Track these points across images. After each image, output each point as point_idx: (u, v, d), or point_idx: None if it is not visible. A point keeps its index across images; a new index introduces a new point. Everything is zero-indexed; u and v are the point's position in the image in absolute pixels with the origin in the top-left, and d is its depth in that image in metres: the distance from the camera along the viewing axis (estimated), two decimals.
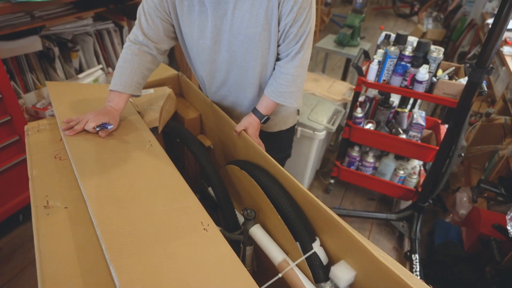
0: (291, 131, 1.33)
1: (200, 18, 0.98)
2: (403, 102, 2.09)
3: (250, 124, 1.07)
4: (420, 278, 0.75)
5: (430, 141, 1.90)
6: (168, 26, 1.04)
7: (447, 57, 4.11)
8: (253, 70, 1.06)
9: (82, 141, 0.93)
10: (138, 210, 0.74)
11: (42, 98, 1.76)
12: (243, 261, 1.09)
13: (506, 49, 2.26)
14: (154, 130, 1.16)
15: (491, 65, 1.21)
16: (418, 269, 1.61)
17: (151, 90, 1.35)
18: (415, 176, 1.90)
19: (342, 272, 0.84)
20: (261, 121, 1.10)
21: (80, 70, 1.95)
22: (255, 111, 1.09)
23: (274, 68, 1.08)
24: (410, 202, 1.93)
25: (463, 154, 1.96)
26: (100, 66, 1.99)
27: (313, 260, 0.87)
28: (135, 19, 2.27)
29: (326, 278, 0.87)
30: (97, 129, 0.95)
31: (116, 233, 0.66)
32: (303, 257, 0.87)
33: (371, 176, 1.95)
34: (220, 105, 1.24)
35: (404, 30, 5.58)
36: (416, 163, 2.00)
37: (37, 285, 0.60)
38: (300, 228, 0.90)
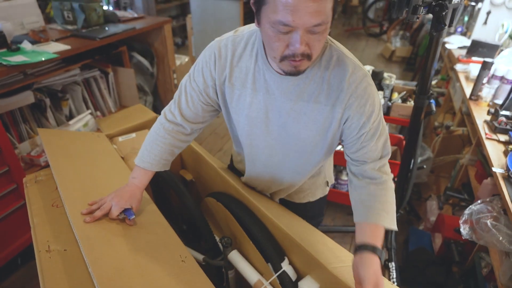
0: (322, 201, 1.25)
1: (251, 108, 0.90)
2: None
3: (379, 278, 0.76)
4: (397, 284, 0.86)
5: (396, 156, 2.08)
6: (209, 108, 0.97)
7: (416, 71, 4.39)
8: (293, 163, 1.01)
9: (73, 191, 1.06)
10: (124, 247, 0.87)
11: (36, 146, 1.89)
12: (227, 285, 1.22)
13: (459, 66, 2.48)
14: None
15: (430, 92, 1.40)
16: (395, 276, 1.75)
17: (133, 135, 1.51)
18: None
19: (308, 286, 0.98)
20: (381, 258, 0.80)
21: (70, 116, 2.11)
22: (368, 247, 0.80)
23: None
24: None
25: (425, 166, 2.13)
26: (89, 111, 2.15)
27: (283, 278, 1.01)
28: (120, 65, 2.43)
29: None
30: (120, 217, 0.95)
31: (106, 269, 0.79)
32: (274, 276, 1.01)
33: (347, 193, 2.10)
34: (255, 179, 1.14)
35: (375, 48, 5.90)
36: None
37: None
38: (270, 250, 1.04)
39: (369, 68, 1.81)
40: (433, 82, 3.10)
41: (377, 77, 1.73)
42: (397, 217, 1.87)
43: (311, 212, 1.23)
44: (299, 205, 1.19)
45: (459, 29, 3.35)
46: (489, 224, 1.29)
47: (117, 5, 3.95)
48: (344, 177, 2.13)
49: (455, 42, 3.10)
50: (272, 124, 0.92)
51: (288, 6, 0.64)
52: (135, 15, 2.48)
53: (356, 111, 0.82)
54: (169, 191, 1.61)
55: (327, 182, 1.22)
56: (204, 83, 0.91)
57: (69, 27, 2.13)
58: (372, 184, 0.89)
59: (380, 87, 1.75)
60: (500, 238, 1.24)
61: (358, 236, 0.86)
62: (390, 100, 1.74)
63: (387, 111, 1.76)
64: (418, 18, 1.07)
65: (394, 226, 0.87)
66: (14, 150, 1.70)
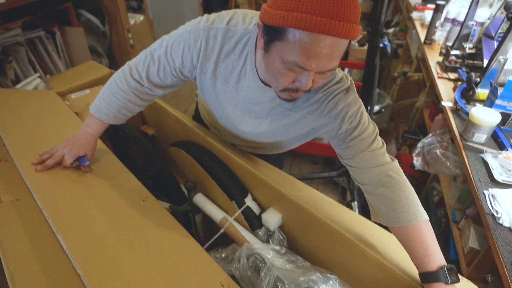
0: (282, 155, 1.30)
1: (229, 102, 0.90)
2: None
3: None
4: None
5: None
6: (180, 81, 0.94)
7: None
8: (267, 144, 1.05)
9: (22, 144, 1.01)
10: (81, 192, 0.86)
11: None
12: (195, 229, 1.25)
13: (415, 14, 2.53)
14: None
15: (383, 30, 1.43)
16: (357, 213, 1.86)
17: (87, 91, 1.44)
18: None
19: (271, 217, 1.02)
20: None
21: (17, 80, 1.96)
22: (434, 277, 0.69)
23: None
24: None
25: (383, 110, 2.22)
26: (37, 74, 2.00)
27: (247, 213, 1.04)
28: (67, 24, 2.25)
29: (260, 225, 1.05)
30: (74, 165, 0.93)
31: (63, 213, 0.78)
32: (238, 212, 1.04)
33: (311, 141, 2.17)
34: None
35: None
36: None
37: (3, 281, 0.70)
38: (233, 188, 1.07)
39: None
40: (391, 30, 3.16)
41: None
42: None
43: (276, 162, 1.19)
44: (262, 156, 1.17)
45: None
46: (438, 153, 1.38)
47: None
48: None
49: None
50: (247, 123, 0.92)
51: (311, 53, 0.60)
52: None
53: (328, 117, 0.79)
54: (131, 147, 1.58)
55: None
56: (182, 64, 0.86)
57: None
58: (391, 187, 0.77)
59: None
60: (448, 164, 1.34)
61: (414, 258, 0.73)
62: None
63: (345, 56, 1.78)
64: None
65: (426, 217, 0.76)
66: None
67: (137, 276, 0.67)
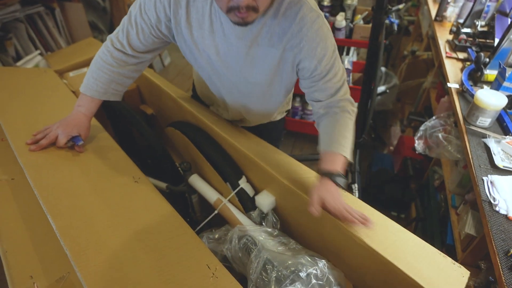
0: (281, 122, 1.30)
1: (209, 51, 0.89)
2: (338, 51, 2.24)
3: (328, 191, 0.81)
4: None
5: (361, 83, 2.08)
6: (161, 41, 0.92)
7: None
8: (253, 105, 1.05)
9: (17, 123, 1.01)
10: (74, 171, 0.86)
11: None
12: (193, 209, 1.26)
13: None
14: None
15: (388, 7, 1.36)
16: (357, 196, 1.86)
17: (85, 69, 1.42)
18: None
19: (264, 199, 1.02)
20: (337, 181, 0.84)
21: (18, 58, 1.95)
22: (328, 174, 0.83)
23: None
24: None
25: (388, 91, 2.16)
26: (38, 51, 1.99)
27: (241, 194, 1.04)
28: (67, 0, 2.21)
29: (254, 207, 1.05)
30: (68, 145, 0.93)
31: (53, 192, 0.78)
32: (233, 193, 1.04)
33: (314, 122, 2.14)
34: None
35: None
36: None
37: None
38: (227, 170, 1.06)
39: None
40: (401, 6, 3.02)
41: None
42: (360, 142, 1.94)
43: (273, 133, 1.30)
44: (261, 127, 1.22)
45: None
46: (440, 136, 1.35)
47: None
48: (310, 107, 2.14)
49: None
50: (231, 69, 0.91)
51: None
52: None
53: (307, 55, 0.82)
54: (130, 127, 1.58)
55: (288, 111, 1.29)
56: (157, 18, 0.85)
57: None
58: (329, 117, 0.91)
59: (342, 8, 1.68)
60: (450, 148, 1.30)
61: (320, 164, 0.88)
62: (352, 22, 1.69)
63: (349, 34, 1.72)
64: None
65: (348, 156, 0.87)
66: None
67: (124, 255, 0.68)
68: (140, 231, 0.75)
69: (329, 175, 0.82)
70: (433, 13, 2.06)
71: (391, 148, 2.11)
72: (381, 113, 2.48)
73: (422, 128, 1.45)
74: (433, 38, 2.21)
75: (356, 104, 0.95)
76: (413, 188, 1.76)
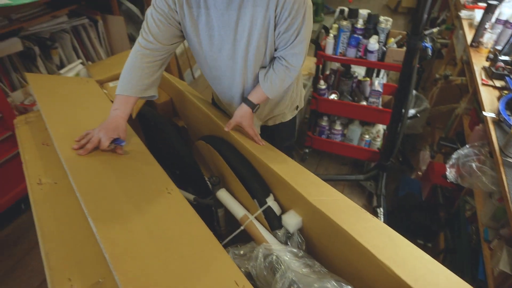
0: (292, 123, 1.42)
1: (207, 27, 1.03)
2: (368, 73, 2.24)
3: (242, 117, 1.12)
4: None
5: (390, 105, 2.06)
6: (178, 31, 1.07)
7: None
8: (252, 75, 1.13)
9: (62, 129, 1.07)
10: (112, 179, 0.90)
11: (29, 95, 1.89)
12: (217, 222, 1.28)
13: (463, 13, 2.37)
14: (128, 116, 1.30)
15: (424, 33, 1.35)
16: (382, 220, 1.81)
17: None
18: (379, 139, 2.07)
19: (291, 219, 1.02)
20: (253, 110, 1.13)
21: (61, 66, 2.08)
22: (246, 100, 1.13)
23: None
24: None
25: (419, 115, 2.12)
26: (80, 60, 2.11)
27: (268, 212, 1.05)
28: (109, 13, 2.37)
29: (280, 225, 1.05)
30: (111, 147, 1.00)
31: (94, 197, 0.83)
32: (259, 211, 1.05)
33: (340, 143, 2.13)
34: (228, 105, 1.30)
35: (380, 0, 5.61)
36: (380, 127, 2.17)
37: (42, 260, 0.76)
38: (255, 187, 1.07)
39: (365, 12, 1.74)
40: (435, 30, 2.99)
41: (372, 21, 1.66)
42: (388, 165, 1.91)
43: (286, 133, 1.43)
44: (274, 128, 1.37)
45: None
46: (474, 166, 1.31)
47: None
48: (337, 127, 2.13)
49: None
50: (226, 41, 1.04)
51: None
52: None
53: (285, 7, 0.95)
54: (162, 137, 1.63)
55: (297, 107, 1.39)
56: (168, 7, 1.00)
57: None
58: (274, 66, 1.09)
59: (375, 31, 1.69)
60: (484, 179, 1.26)
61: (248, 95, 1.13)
62: (385, 45, 1.69)
63: (382, 57, 1.72)
64: None
65: (269, 95, 1.12)
66: (7, 99, 1.70)
67: (156, 263, 0.70)
68: (172, 241, 0.77)
69: (248, 103, 1.12)
70: (469, 38, 2.03)
71: (419, 173, 2.06)
72: (410, 136, 2.43)
73: (454, 156, 1.42)
74: (468, 64, 2.17)
75: (296, 66, 1.08)
76: (442, 216, 1.70)
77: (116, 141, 0.99)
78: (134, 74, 1.03)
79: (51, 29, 1.96)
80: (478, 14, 2.25)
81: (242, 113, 1.13)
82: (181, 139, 1.28)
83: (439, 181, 1.72)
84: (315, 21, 2.53)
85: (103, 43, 2.30)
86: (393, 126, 1.72)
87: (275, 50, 1.08)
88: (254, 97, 1.14)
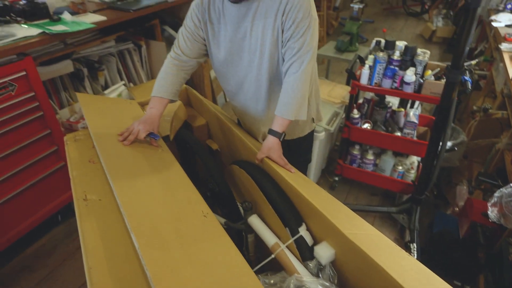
0: (309, 137, 1.47)
1: (225, 41, 1.19)
2: (402, 103, 2.21)
3: (270, 149, 1.14)
4: None
5: (426, 137, 2.01)
6: (203, 46, 1.25)
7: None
8: (266, 82, 1.22)
9: (108, 148, 1.14)
10: (153, 198, 0.94)
11: (75, 113, 2.02)
12: (246, 248, 1.27)
13: (504, 46, 2.32)
14: (166, 137, 1.36)
15: (464, 67, 1.34)
16: (415, 257, 1.73)
17: None
18: (413, 171, 2.01)
19: (324, 251, 1.00)
20: (280, 139, 1.16)
21: (106, 87, 2.21)
22: (271, 131, 1.17)
23: None
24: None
25: (456, 149, 2.05)
26: (123, 82, 2.24)
27: (300, 242, 1.04)
28: (152, 39, 2.53)
29: (312, 257, 1.03)
30: (147, 139, 1.18)
31: (137, 215, 0.86)
32: (291, 240, 1.04)
33: (372, 173, 2.08)
34: (243, 113, 1.41)
35: (414, 28, 5.61)
36: (414, 159, 2.11)
37: (76, 273, 0.79)
38: (288, 215, 1.07)
39: (402, 44, 1.74)
40: (474, 62, 2.93)
41: (409, 53, 1.66)
42: (422, 199, 1.84)
43: (301, 149, 1.47)
44: (291, 142, 1.42)
45: (509, 6, 3.10)
46: None
47: None
48: (369, 156, 2.09)
49: (503, 20, 2.88)
50: (243, 51, 1.18)
51: None
52: None
53: (289, 16, 1.06)
54: (195, 159, 1.68)
55: (313, 119, 1.44)
56: (195, 26, 1.20)
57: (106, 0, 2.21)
58: (284, 82, 1.15)
59: (412, 63, 1.68)
60: None
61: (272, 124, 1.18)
62: (422, 77, 1.68)
63: (418, 89, 1.70)
64: None
65: (290, 117, 1.15)
66: (56, 115, 1.83)
67: (193, 284, 0.71)
68: (208, 265, 0.78)
69: (273, 134, 1.16)
70: (511, 71, 1.97)
71: (456, 209, 1.97)
72: (445, 169, 2.34)
73: (497, 194, 1.35)
74: (510, 97, 2.10)
75: (303, 65, 1.12)
76: (482, 257, 1.60)
77: (151, 135, 1.17)
78: (168, 80, 1.24)
79: (99, 53, 2.11)
80: None
81: (270, 144, 1.15)
82: (215, 162, 1.31)
83: (478, 219, 1.63)
84: (350, 51, 2.56)
85: (145, 66, 2.44)
86: (429, 159, 1.67)
87: (284, 61, 1.15)
88: (277, 126, 1.17)
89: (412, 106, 2.27)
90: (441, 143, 1.58)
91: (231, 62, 1.24)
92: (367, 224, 0.98)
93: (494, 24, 2.84)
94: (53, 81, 1.93)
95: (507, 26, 2.74)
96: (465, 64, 2.30)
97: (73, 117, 1.98)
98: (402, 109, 2.04)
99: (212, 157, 1.33)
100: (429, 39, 5.01)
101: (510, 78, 1.92)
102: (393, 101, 2.16)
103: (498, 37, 2.71)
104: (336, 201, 1.06)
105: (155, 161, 1.13)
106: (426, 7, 5.97)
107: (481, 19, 3.79)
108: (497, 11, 3.23)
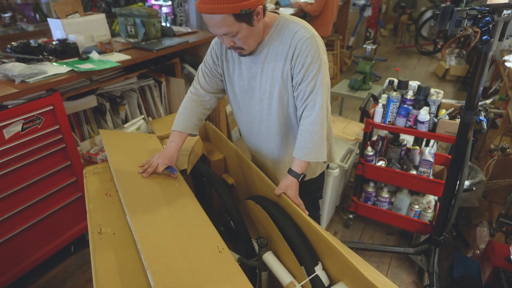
0: (321, 177, 1.48)
1: (239, 79, 1.26)
2: (417, 141, 2.20)
3: (288, 187, 1.16)
4: None
5: (442, 176, 1.98)
6: (220, 82, 1.33)
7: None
8: (276, 122, 1.26)
9: (127, 181, 1.17)
10: (169, 233, 0.95)
11: (95, 145, 2.09)
12: (260, 286, 1.24)
13: None
14: (183, 171, 1.39)
15: (479, 108, 1.35)
16: None
17: None
18: (430, 211, 1.96)
19: None
20: (298, 180, 1.18)
21: (126, 120, 2.30)
22: (290, 171, 1.19)
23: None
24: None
25: (474, 189, 2.00)
26: (142, 116, 2.33)
27: (315, 282, 1.01)
28: (172, 76, 2.67)
29: None
30: (165, 172, 1.23)
31: (153, 251, 0.87)
32: (307, 279, 1.02)
33: (387, 211, 2.04)
34: (255, 151, 1.44)
35: (427, 67, 5.70)
36: (431, 198, 2.06)
37: None
38: (304, 254, 1.05)
39: (414, 84, 1.78)
40: (489, 101, 2.92)
41: (423, 93, 1.69)
42: (441, 240, 1.78)
43: (314, 186, 1.48)
44: (304, 183, 1.39)
45: None
46: None
47: (173, 22, 4.27)
48: (384, 194, 2.06)
49: None
50: (254, 90, 1.23)
51: (207, 24, 1.03)
52: (189, 30, 2.67)
53: (298, 60, 1.10)
54: (211, 191, 1.69)
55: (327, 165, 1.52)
56: (213, 62, 1.28)
57: (131, 40, 2.36)
58: (301, 125, 1.18)
59: (425, 103, 1.71)
60: None
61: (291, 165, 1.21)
62: (436, 116, 1.69)
63: (433, 128, 1.70)
64: (462, 31, 1.05)
65: (308, 159, 1.17)
66: (77, 147, 1.89)
67: None
68: None
69: (293, 174, 1.18)
70: None
71: (477, 251, 1.88)
72: (464, 209, 2.28)
73: None
74: None
75: (315, 113, 1.14)
76: None
77: (169, 168, 1.23)
78: (187, 114, 1.30)
79: (122, 88, 2.22)
80: None
81: (288, 182, 1.17)
82: (231, 197, 1.32)
83: (502, 264, 1.56)
84: (363, 89, 2.61)
85: (164, 101, 2.54)
86: (446, 199, 1.64)
87: (294, 104, 1.20)
88: (296, 167, 1.19)
89: (427, 145, 2.26)
90: (458, 183, 1.55)
91: (243, 100, 1.30)
92: (381, 275, 0.95)
93: (507, 64, 2.87)
94: (77, 114, 2.03)
95: None
96: (480, 103, 2.30)
97: (93, 149, 2.05)
98: (417, 147, 2.03)
99: (228, 191, 1.34)
100: (442, 77, 5.07)
101: None
102: (408, 139, 2.16)
103: None
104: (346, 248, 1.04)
105: (172, 194, 1.15)
106: (439, 46, 6.09)
107: (494, 59, 3.83)
108: (510, 52, 3.28)
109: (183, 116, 1.30)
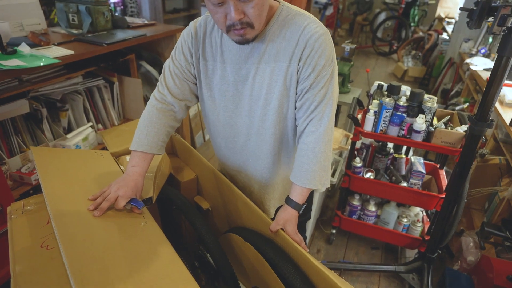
0: (310, 197, 1.22)
1: (221, 82, 0.97)
2: (397, 147, 2.08)
3: (287, 221, 0.93)
4: None
5: (430, 186, 1.87)
6: (194, 86, 1.04)
7: (431, 93, 4.24)
8: (270, 138, 1.00)
9: (71, 226, 0.84)
10: (120, 265, 0.65)
11: (28, 162, 1.67)
12: None
13: None
14: (148, 200, 1.08)
15: (491, 118, 1.21)
16: None
17: None
18: (419, 224, 1.84)
19: None
20: (299, 212, 0.96)
21: (69, 129, 1.89)
22: (289, 201, 0.97)
23: (296, 142, 1.00)
24: (416, 250, 1.85)
25: (466, 200, 1.93)
26: (90, 124, 1.93)
27: None
28: (127, 75, 2.24)
29: None
30: (128, 207, 0.91)
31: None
32: None
33: (374, 226, 1.89)
34: (236, 170, 1.16)
35: (385, 67, 5.80)
36: (419, 210, 1.95)
37: None
38: None
39: (404, 89, 1.63)
40: (465, 106, 2.94)
41: (416, 99, 1.54)
42: (434, 257, 1.65)
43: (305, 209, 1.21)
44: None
45: (482, 51, 3.22)
46: None
47: (123, 14, 3.80)
48: (371, 208, 1.91)
49: (479, 64, 2.96)
50: (242, 97, 0.97)
51: None
52: (146, 22, 2.31)
53: (308, 62, 0.87)
54: (180, 218, 1.39)
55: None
56: (185, 60, 0.99)
57: (74, 31, 1.94)
58: (302, 143, 0.95)
59: (420, 110, 1.56)
60: None
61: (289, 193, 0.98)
62: (431, 125, 1.55)
63: (427, 137, 1.57)
64: (505, 30, 0.88)
65: (312, 186, 0.94)
66: (1, 167, 1.47)
67: None
68: None
69: (292, 205, 0.96)
70: (506, 117, 1.93)
71: (464, 265, 1.80)
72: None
73: None
74: (507, 143, 2.04)
75: (322, 130, 0.92)
76: None
77: (132, 201, 0.90)
78: (152, 128, 0.99)
79: (63, 91, 1.81)
80: (508, 91, 2.19)
81: (287, 216, 0.94)
82: (209, 227, 1.05)
83: (502, 283, 1.46)
84: (343, 92, 2.45)
85: (116, 105, 2.15)
86: (445, 213, 1.51)
87: (296, 118, 0.96)
88: (297, 196, 0.96)
89: (407, 151, 2.16)
90: (460, 197, 1.42)
91: (225, 109, 1.02)
92: None
93: (472, 67, 2.91)
94: (1, 123, 1.59)
95: (485, 69, 2.80)
96: (457, 108, 2.24)
97: (26, 167, 1.63)
98: (403, 156, 1.90)
99: (207, 226, 1.06)
100: (401, 78, 5.17)
101: (507, 124, 1.87)
102: (390, 146, 2.03)
103: (479, 81, 2.74)
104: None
105: (138, 242, 0.84)
106: (394, 47, 6.25)
107: (453, 61, 3.94)
108: (471, 55, 3.35)
109: (146, 131, 0.98)
